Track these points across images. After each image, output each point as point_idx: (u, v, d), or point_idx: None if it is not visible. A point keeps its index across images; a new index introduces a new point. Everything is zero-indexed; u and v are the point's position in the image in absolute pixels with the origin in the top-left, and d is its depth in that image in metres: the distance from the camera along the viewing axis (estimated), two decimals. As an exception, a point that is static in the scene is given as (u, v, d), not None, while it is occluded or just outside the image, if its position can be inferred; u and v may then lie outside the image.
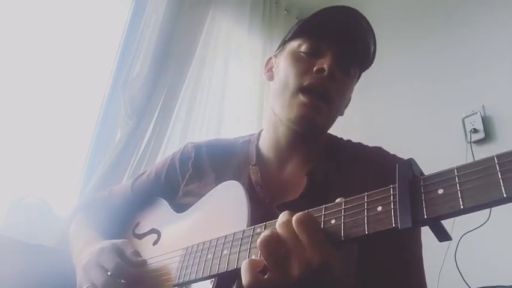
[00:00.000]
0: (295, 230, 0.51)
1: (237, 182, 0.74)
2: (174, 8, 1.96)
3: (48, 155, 1.70)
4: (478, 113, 1.73)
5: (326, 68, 0.78)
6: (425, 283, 0.78)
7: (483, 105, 1.74)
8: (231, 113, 2.12)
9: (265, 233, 0.53)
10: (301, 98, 0.80)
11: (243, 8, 2.33)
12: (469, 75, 1.85)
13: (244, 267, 0.53)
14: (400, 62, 2.18)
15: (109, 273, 0.75)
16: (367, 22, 0.85)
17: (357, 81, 0.92)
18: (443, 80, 1.94)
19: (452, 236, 1.63)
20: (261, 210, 0.67)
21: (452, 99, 1.86)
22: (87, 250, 0.83)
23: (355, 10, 0.84)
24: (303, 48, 0.84)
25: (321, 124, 0.83)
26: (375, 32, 0.86)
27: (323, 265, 0.49)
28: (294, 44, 0.86)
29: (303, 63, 0.83)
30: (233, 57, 2.22)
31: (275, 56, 0.95)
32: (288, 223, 0.52)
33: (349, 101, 0.94)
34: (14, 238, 1.31)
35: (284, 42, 0.91)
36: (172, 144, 1.86)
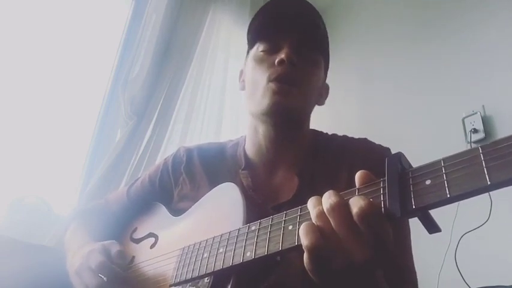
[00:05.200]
0: (357, 221, 0.47)
1: (232, 183, 0.75)
2: (174, 8, 1.96)
3: (48, 155, 1.70)
4: (478, 113, 1.73)
5: (285, 58, 0.82)
6: (413, 266, 0.81)
7: (483, 105, 1.74)
8: (231, 113, 2.12)
9: (310, 221, 0.49)
10: (271, 85, 0.83)
11: (243, 8, 2.33)
12: (469, 75, 1.85)
13: (305, 227, 0.49)
14: (400, 62, 2.18)
15: (105, 279, 0.75)
16: (310, 5, 0.89)
17: (326, 69, 0.95)
18: (444, 80, 1.94)
19: (452, 236, 1.63)
20: (256, 211, 0.67)
21: (452, 99, 1.86)
22: (79, 253, 0.83)
23: None
24: (260, 48, 0.89)
25: (293, 107, 0.84)
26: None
27: (388, 244, 0.47)
28: (253, 50, 0.92)
29: (265, 60, 0.87)
30: (233, 57, 2.22)
31: (244, 66, 1.00)
32: (339, 205, 0.48)
33: (327, 91, 0.98)
34: (14, 238, 1.31)
35: (247, 53, 0.97)
36: (172, 144, 1.86)
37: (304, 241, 0.48)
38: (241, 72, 1.02)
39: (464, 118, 1.77)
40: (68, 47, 1.85)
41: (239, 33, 2.27)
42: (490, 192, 1.67)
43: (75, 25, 1.90)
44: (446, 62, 1.96)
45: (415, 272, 0.80)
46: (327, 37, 0.92)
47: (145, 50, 1.89)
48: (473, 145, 1.71)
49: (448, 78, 1.92)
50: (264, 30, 0.89)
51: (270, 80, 0.83)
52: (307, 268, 0.49)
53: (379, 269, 0.52)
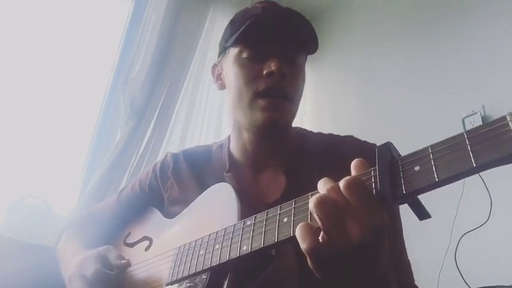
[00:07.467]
0: (346, 195, 0.48)
1: (226, 183, 0.75)
2: (174, 8, 1.96)
3: (48, 155, 1.70)
4: (478, 113, 1.73)
5: (275, 70, 0.78)
6: (406, 255, 0.80)
7: (483, 105, 1.74)
8: (231, 113, 2.12)
9: (319, 194, 0.49)
10: (261, 102, 0.80)
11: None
12: (469, 75, 1.85)
13: (301, 230, 0.49)
14: (400, 62, 2.18)
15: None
16: (291, 9, 0.85)
17: (305, 62, 0.91)
18: (444, 80, 1.94)
19: (452, 236, 1.62)
20: (250, 207, 0.67)
21: (452, 99, 1.86)
22: (72, 262, 0.84)
23: (274, 3, 0.85)
24: (245, 54, 0.83)
25: (284, 123, 0.84)
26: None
27: (383, 227, 0.47)
28: (234, 51, 0.85)
29: (250, 69, 0.82)
30: (233, 57, 2.21)
31: (219, 62, 0.94)
32: (335, 188, 0.49)
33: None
34: (14, 238, 1.31)
35: (224, 48, 0.90)
36: (172, 144, 1.86)
37: (303, 245, 0.49)
38: (215, 67, 0.95)
39: (464, 118, 1.77)
40: (68, 47, 1.85)
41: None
42: (490, 193, 1.66)
43: (76, 25, 1.90)
44: (446, 61, 1.96)
45: (409, 265, 0.80)
46: (315, 36, 0.86)
47: (145, 50, 1.89)
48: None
49: (448, 78, 1.92)
50: (250, 37, 0.82)
51: (259, 93, 0.80)
52: (311, 267, 0.49)
53: (381, 261, 0.52)
